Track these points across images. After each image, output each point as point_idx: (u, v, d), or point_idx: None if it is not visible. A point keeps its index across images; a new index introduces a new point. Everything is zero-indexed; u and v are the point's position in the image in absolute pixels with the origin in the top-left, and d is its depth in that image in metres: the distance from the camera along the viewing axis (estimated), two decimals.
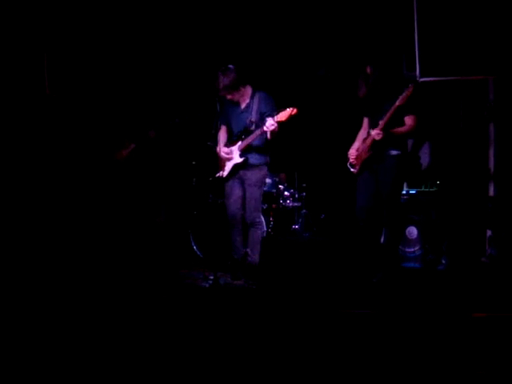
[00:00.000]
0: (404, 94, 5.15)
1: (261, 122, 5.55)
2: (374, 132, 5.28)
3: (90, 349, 3.63)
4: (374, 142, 5.32)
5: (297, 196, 7.31)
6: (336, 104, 7.38)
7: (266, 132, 5.43)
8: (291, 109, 5.34)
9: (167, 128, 6.46)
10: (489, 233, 6.40)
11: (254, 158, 5.68)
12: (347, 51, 7.23)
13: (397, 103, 5.19)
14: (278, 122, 5.34)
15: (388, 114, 5.23)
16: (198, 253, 6.83)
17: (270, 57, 7.44)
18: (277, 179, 7.37)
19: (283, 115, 5.34)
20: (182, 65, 7.45)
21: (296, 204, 7.29)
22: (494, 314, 4.27)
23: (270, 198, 7.18)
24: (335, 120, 7.38)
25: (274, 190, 7.28)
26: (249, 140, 5.59)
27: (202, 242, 6.87)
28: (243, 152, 5.64)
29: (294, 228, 7.22)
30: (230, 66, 5.57)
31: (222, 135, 5.87)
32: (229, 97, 5.63)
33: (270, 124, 5.35)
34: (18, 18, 6.59)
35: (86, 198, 6.58)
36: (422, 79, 6.24)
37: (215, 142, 5.85)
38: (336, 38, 7.33)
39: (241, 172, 5.72)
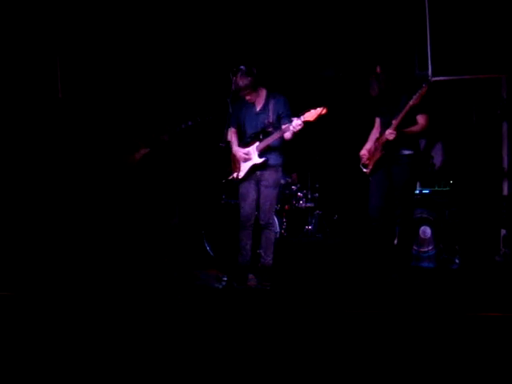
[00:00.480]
0: (418, 94, 5.14)
1: (277, 123, 5.59)
2: (387, 132, 5.27)
3: (101, 348, 3.66)
4: (387, 141, 5.31)
5: (310, 197, 7.30)
6: (348, 104, 7.37)
7: (292, 132, 5.43)
8: (321, 108, 5.35)
9: (180, 131, 6.48)
10: (503, 232, 6.37)
11: (272, 159, 5.68)
12: (359, 51, 7.22)
13: (411, 102, 5.18)
14: (305, 122, 5.36)
15: (401, 114, 5.22)
16: (212, 254, 6.86)
17: (281, 58, 7.44)
18: (289, 180, 7.37)
19: (311, 115, 5.35)
20: (192, 68, 7.47)
21: (309, 205, 7.28)
22: (508, 313, 4.25)
23: (283, 198, 7.18)
24: (347, 120, 7.37)
25: (287, 191, 7.28)
26: (269, 140, 5.58)
27: (215, 244, 6.90)
28: (262, 153, 5.66)
29: (307, 229, 7.21)
30: (250, 67, 5.59)
31: (234, 136, 5.87)
32: (248, 97, 5.64)
33: (296, 124, 5.35)
34: (31, 23, 6.65)
35: (99, 201, 6.63)
36: (434, 78, 6.22)
37: (227, 144, 5.84)
38: (347, 38, 7.32)
39: (258, 173, 5.70)
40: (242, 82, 5.51)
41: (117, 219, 6.60)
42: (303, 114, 5.39)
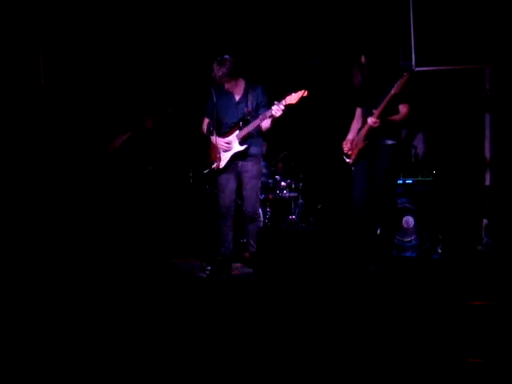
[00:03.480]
0: (399, 82, 5.18)
1: (256, 112, 5.61)
2: (370, 120, 5.28)
3: (83, 339, 3.65)
4: (370, 131, 5.33)
5: (293, 186, 7.31)
6: (332, 94, 7.38)
7: (272, 117, 5.43)
8: (302, 91, 5.37)
9: (162, 117, 6.45)
10: (485, 221, 6.41)
11: (253, 148, 5.70)
12: (342, 41, 7.22)
13: (392, 91, 5.21)
14: (286, 106, 5.35)
15: (383, 103, 5.25)
16: (196, 244, 6.85)
17: (263, 47, 7.42)
18: (273, 169, 7.38)
19: (292, 98, 5.36)
20: (174, 55, 7.43)
21: (293, 194, 7.29)
22: (489, 302, 4.29)
23: (267, 188, 7.18)
24: (331, 110, 7.38)
25: (271, 181, 7.28)
26: (250, 127, 5.59)
27: (199, 233, 6.90)
28: (243, 141, 5.64)
29: (291, 218, 7.22)
30: (226, 56, 5.59)
31: (208, 127, 5.85)
32: (226, 86, 5.64)
33: (276, 108, 5.36)
34: (13, 10, 6.56)
35: (81, 190, 6.58)
36: (417, 68, 6.22)
37: (209, 132, 5.81)
38: (331, 28, 7.31)
39: (239, 163, 5.71)
40: (220, 70, 5.54)
41: (100, 208, 6.56)
42: (284, 98, 5.39)
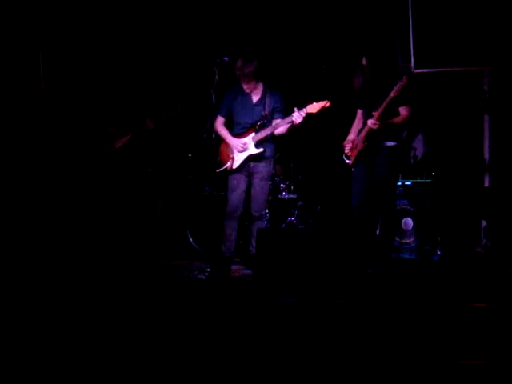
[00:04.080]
0: (398, 85, 5.18)
1: (271, 116, 5.65)
2: (370, 122, 5.29)
3: (82, 340, 3.65)
4: (370, 132, 5.34)
5: (292, 188, 7.31)
6: (331, 95, 7.38)
7: (291, 123, 5.45)
8: (325, 101, 5.39)
9: (162, 119, 6.44)
10: (484, 223, 6.42)
11: (267, 151, 5.72)
12: (341, 43, 7.23)
13: (391, 94, 5.21)
14: (308, 114, 5.37)
15: (383, 105, 5.25)
16: (195, 245, 6.85)
17: (265, 48, 7.42)
18: (272, 171, 7.37)
19: (314, 107, 5.38)
20: (174, 57, 7.44)
21: (292, 196, 7.29)
22: (488, 304, 4.30)
23: None
24: (330, 112, 7.37)
25: (270, 182, 7.28)
26: (268, 131, 5.61)
27: (198, 235, 6.90)
28: (258, 143, 5.66)
29: (290, 220, 7.22)
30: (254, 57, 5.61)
31: (223, 126, 5.83)
32: (245, 86, 5.64)
33: (297, 115, 5.37)
34: (13, 12, 6.57)
35: (79, 191, 6.58)
36: (416, 70, 6.24)
37: (210, 135, 5.79)
38: (329, 30, 7.31)
39: (251, 165, 5.71)
40: (245, 68, 5.53)
41: (100, 210, 6.56)
42: (305, 106, 5.41)
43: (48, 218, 6.49)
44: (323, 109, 5.41)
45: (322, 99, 5.43)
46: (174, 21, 7.28)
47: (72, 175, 6.62)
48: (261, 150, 5.65)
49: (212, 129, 5.73)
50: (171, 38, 7.36)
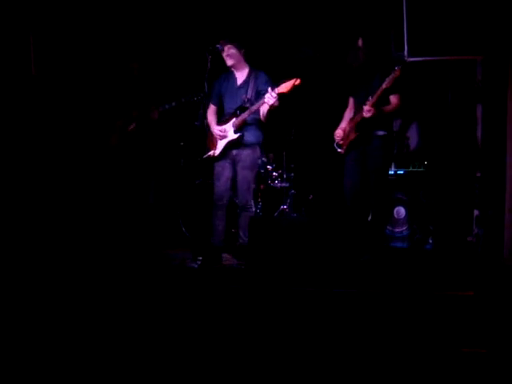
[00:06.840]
0: (391, 77, 5.18)
1: (256, 100, 5.51)
2: (365, 108, 5.27)
3: (77, 330, 3.65)
4: (361, 121, 5.34)
5: (285, 176, 7.31)
6: (323, 84, 7.37)
7: (264, 105, 5.39)
8: (294, 79, 5.29)
9: (166, 110, 6.39)
10: (476, 212, 6.44)
11: (248, 136, 5.62)
12: (335, 31, 7.20)
13: (384, 85, 5.21)
14: (279, 94, 5.28)
15: (375, 96, 5.25)
16: (187, 234, 6.85)
17: (258, 36, 7.39)
18: (265, 159, 7.36)
19: (285, 86, 5.29)
20: (170, 45, 7.40)
21: (284, 184, 7.29)
22: (479, 292, 4.31)
23: (259, 178, 7.17)
24: (323, 100, 7.37)
25: (263, 171, 7.27)
26: (244, 116, 5.51)
27: (190, 223, 6.89)
28: (238, 129, 5.60)
29: (282, 208, 7.22)
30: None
31: (212, 114, 5.81)
32: (232, 67, 5.60)
33: (269, 96, 5.25)
34: None
35: (75, 182, 6.55)
36: (410, 59, 6.23)
37: (202, 122, 5.77)
38: (323, 17, 7.29)
39: (234, 152, 5.65)
40: (231, 49, 5.52)
41: (94, 199, 6.55)
42: (277, 86, 5.35)
43: (39, 207, 6.46)
44: (295, 87, 5.30)
45: (293, 78, 5.34)
46: (167, 11, 7.23)
47: (66, 163, 6.59)
48: (238, 134, 5.56)
49: (204, 116, 5.72)
50: (165, 26, 7.32)
